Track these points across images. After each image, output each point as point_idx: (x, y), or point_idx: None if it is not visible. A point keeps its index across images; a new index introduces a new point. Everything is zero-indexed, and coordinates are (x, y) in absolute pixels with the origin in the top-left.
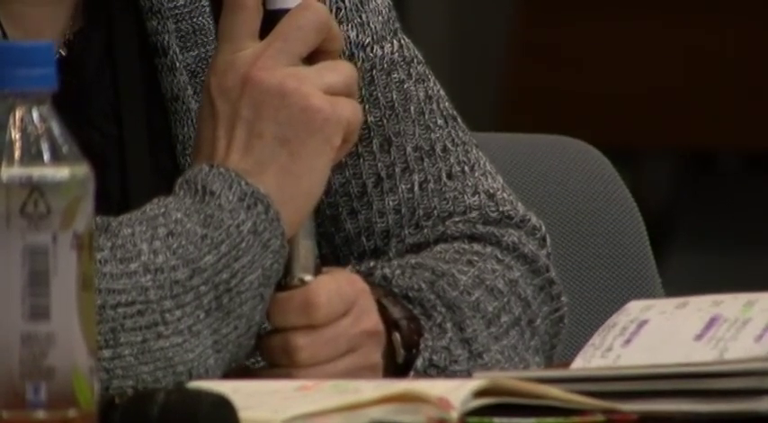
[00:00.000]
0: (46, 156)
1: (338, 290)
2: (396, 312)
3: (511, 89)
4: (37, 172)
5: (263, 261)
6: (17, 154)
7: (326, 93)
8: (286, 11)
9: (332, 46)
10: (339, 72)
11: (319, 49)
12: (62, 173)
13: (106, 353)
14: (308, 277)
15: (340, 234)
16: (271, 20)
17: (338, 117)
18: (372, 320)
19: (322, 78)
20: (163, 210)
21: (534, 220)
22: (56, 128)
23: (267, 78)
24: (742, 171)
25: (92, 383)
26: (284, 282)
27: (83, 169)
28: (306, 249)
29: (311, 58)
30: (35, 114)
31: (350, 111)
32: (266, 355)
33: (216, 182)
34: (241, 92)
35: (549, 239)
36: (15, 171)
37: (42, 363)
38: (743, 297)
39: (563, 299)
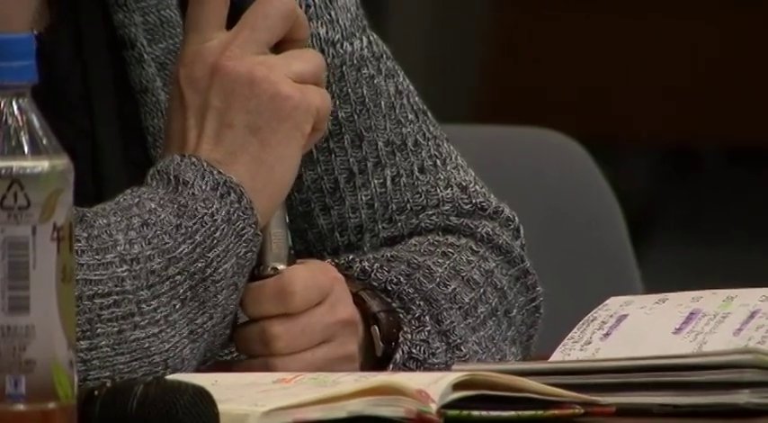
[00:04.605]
0: (26, 148)
1: (313, 278)
2: (374, 305)
3: (492, 82)
4: (17, 164)
5: (237, 250)
6: None
7: (295, 81)
8: (252, 0)
9: (299, 34)
10: (307, 60)
11: (287, 37)
12: (42, 165)
13: (83, 344)
14: (281, 266)
15: (313, 230)
16: (237, 10)
17: (308, 104)
18: (348, 310)
19: (290, 66)
20: (137, 200)
21: (507, 211)
22: (36, 120)
23: (236, 67)
24: (722, 166)
25: (71, 376)
26: (257, 271)
27: (62, 161)
28: (278, 239)
29: (279, 47)
30: (15, 106)
31: (319, 98)
32: (242, 346)
33: (188, 171)
34: (210, 82)
35: (522, 230)
36: None
37: (22, 356)
38: (722, 293)
39: (538, 288)
